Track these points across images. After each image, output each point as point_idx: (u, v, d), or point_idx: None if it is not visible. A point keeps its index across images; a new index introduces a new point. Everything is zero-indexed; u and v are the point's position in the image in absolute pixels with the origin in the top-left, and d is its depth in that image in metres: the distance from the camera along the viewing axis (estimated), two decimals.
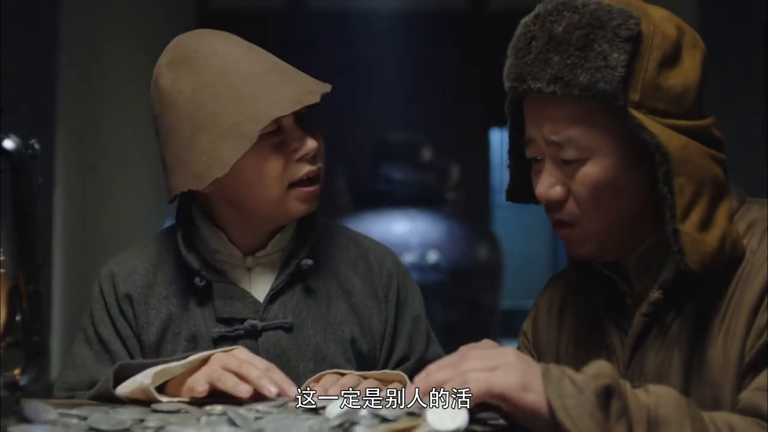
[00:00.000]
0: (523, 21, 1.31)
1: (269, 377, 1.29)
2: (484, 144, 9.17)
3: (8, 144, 1.06)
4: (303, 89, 1.45)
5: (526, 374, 1.08)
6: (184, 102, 1.45)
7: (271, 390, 1.26)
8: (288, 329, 1.50)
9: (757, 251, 1.23)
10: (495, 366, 1.09)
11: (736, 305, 1.21)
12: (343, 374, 1.41)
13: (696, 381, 1.22)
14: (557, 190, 1.28)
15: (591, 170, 1.25)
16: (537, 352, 1.47)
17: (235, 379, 1.28)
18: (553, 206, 1.30)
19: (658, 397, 1.09)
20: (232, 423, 1.09)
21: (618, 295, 1.35)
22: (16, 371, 1.08)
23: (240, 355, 1.34)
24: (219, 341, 1.47)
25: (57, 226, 5.46)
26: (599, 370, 1.08)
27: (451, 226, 6.41)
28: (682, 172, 1.21)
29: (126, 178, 6.94)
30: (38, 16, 5.18)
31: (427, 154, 6.86)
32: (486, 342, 1.23)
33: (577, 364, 1.13)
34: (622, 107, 1.22)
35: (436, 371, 1.11)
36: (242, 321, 1.48)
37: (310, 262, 1.52)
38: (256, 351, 1.42)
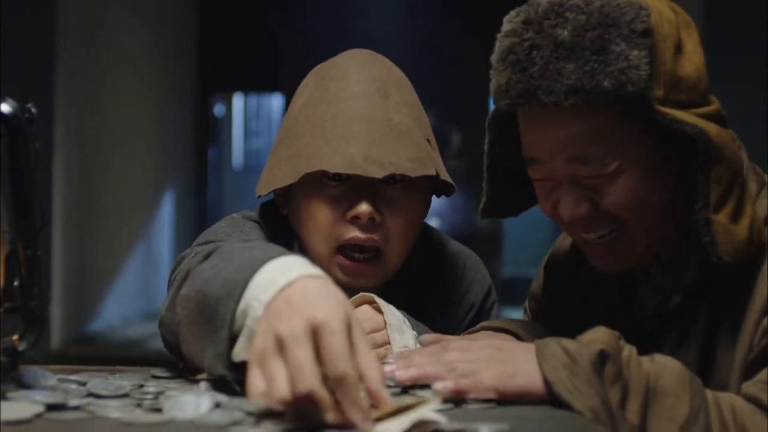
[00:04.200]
0: (508, 29, 1.20)
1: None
2: (485, 112, 9.15)
3: (5, 108, 1.05)
4: (375, 157, 1.34)
5: (506, 362, 1.07)
6: (294, 110, 1.44)
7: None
8: None
9: None
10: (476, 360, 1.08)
11: (748, 303, 1.18)
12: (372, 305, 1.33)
13: (708, 382, 1.18)
14: (583, 207, 1.20)
15: (622, 182, 1.18)
16: (545, 314, 1.46)
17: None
18: (582, 224, 1.23)
19: (661, 367, 1.08)
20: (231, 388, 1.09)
21: (632, 281, 1.32)
22: (15, 337, 1.07)
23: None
24: None
25: (56, 193, 5.46)
26: (594, 336, 1.08)
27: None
28: (722, 160, 1.14)
29: (125, 145, 6.93)
30: None
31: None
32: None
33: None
34: (650, 107, 1.14)
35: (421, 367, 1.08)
36: None
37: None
38: None
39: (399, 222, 1.39)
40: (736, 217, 1.17)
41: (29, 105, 1.07)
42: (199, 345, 1.05)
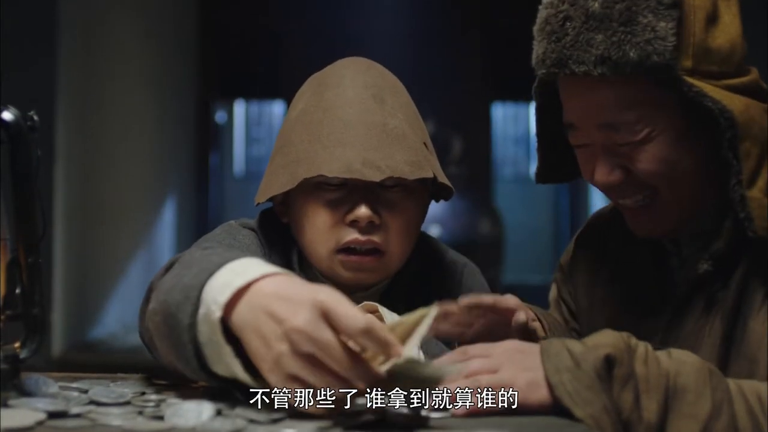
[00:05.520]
0: (547, 0, 1.26)
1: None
2: (486, 118, 9.16)
3: (7, 116, 1.06)
4: (373, 161, 1.34)
5: (532, 370, 1.07)
6: (290, 118, 1.44)
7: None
8: None
9: None
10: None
11: None
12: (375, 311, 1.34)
13: (735, 353, 1.20)
14: (616, 174, 1.25)
15: (652, 149, 1.21)
16: (573, 288, 1.47)
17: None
18: (617, 190, 1.27)
19: (680, 364, 1.08)
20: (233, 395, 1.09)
21: (663, 252, 1.33)
22: (16, 344, 1.07)
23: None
24: None
25: (58, 200, 5.45)
26: (600, 339, 1.08)
27: (453, 200, 6.40)
28: (748, 136, 1.17)
29: (126, 151, 6.93)
30: None
31: (428, 128, 6.85)
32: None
33: (611, 317, 1.12)
34: (677, 77, 1.18)
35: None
36: None
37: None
38: None
39: (398, 224, 1.40)
40: None
41: (31, 113, 1.07)
42: (174, 355, 1.06)
